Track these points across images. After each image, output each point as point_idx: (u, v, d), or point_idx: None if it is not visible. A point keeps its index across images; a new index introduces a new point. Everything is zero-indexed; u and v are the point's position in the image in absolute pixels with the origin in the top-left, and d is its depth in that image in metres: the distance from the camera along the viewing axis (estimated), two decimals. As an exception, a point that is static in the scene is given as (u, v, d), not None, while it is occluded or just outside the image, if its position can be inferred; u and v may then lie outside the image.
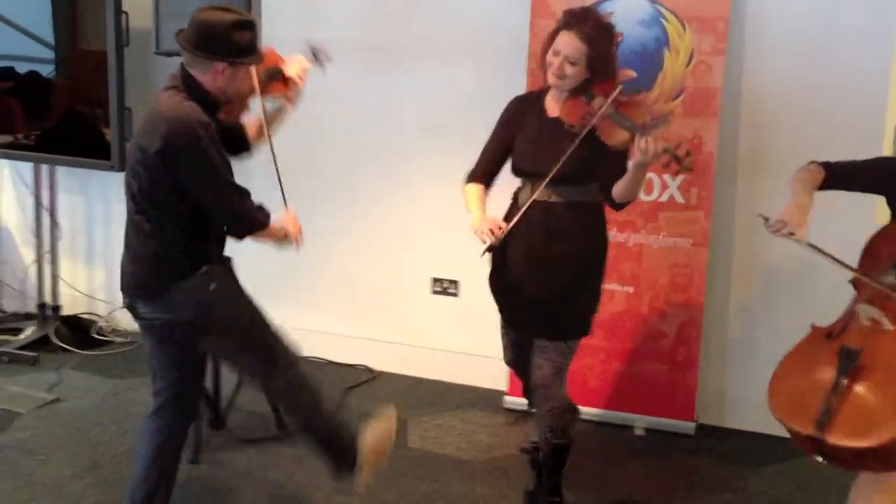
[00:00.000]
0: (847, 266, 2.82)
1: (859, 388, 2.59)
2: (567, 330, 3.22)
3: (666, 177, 4.04)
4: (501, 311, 3.41)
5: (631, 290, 4.01)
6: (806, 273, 4.00)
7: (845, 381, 2.60)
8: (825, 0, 3.94)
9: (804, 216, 2.83)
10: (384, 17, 4.60)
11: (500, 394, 4.46)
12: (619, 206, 3.14)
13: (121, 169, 4.66)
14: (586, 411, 3.97)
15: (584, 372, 4.16)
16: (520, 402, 4.34)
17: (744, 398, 4.25)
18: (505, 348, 3.55)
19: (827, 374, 2.64)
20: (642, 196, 4.08)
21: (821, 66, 3.96)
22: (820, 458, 2.61)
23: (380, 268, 4.76)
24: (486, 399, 4.50)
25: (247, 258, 4.24)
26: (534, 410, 3.42)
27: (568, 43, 3.04)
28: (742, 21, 4.03)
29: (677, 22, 3.99)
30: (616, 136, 3.01)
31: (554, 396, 3.18)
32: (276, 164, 3.13)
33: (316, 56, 3.27)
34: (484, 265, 4.54)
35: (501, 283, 3.34)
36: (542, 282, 3.18)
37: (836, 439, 2.52)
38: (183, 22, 3.71)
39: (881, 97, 3.87)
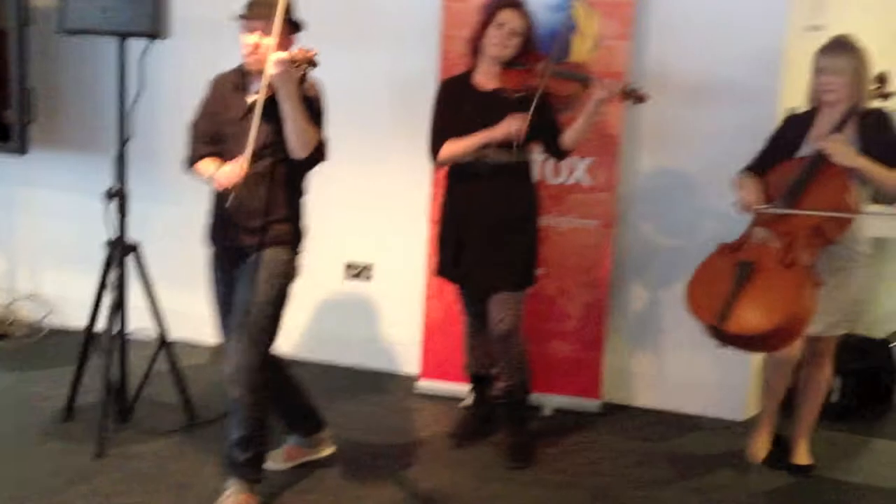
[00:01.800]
0: (762, 209, 3.42)
1: (750, 291, 3.30)
2: (522, 280, 3.67)
3: (574, 159, 4.09)
4: (464, 277, 3.73)
5: (539, 271, 4.04)
6: (711, 249, 4.13)
7: (740, 286, 3.32)
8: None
9: (754, 192, 3.47)
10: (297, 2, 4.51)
11: (412, 378, 4.48)
12: (565, 155, 3.69)
13: (23, 152, 4.47)
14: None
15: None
16: (432, 386, 4.38)
17: (648, 376, 4.38)
18: (469, 325, 3.91)
19: (728, 279, 3.36)
20: (550, 179, 4.15)
21: (720, 48, 4.08)
22: (719, 343, 3.35)
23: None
24: (398, 384, 4.51)
25: (160, 245, 4.17)
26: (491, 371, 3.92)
27: (514, 17, 3.53)
28: (647, 6, 4.11)
29: (585, 7, 4.03)
30: (567, 88, 3.57)
31: (517, 342, 3.68)
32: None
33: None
34: (397, 249, 4.57)
35: (459, 249, 3.67)
36: (503, 239, 3.60)
37: (732, 328, 3.28)
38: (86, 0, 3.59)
39: (775, 74, 4.04)
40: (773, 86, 4.05)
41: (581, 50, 4.05)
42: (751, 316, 3.26)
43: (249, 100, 3.14)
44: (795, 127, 3.52)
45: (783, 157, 3.50)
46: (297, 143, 3.07)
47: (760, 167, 3.55)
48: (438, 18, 4.21)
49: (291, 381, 3.51)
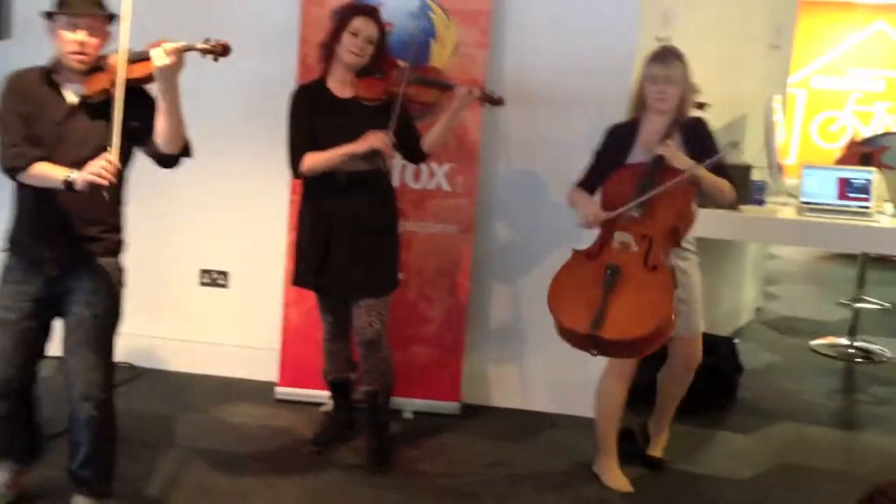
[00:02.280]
0: (621, 212, 3.44)
1: (620, 296, 3.30)
2: (388, 285, 3.72)
3: (433, 165, 4.14)
4: (323, 287, 3.72)
5: (400, 276, 4.07)
6: (566, 254, 4.24)
7: (610, 291, 3.31)
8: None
9: (597, 207, 3.51)
10: (153, 6, 4.39)
11: (271, 385, 4.42)
12: (424, 159, 3.76)
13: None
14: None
15: (354, 359, 4.20)
16: (291, 392, 4.34)
17: (506, 377, 4.46)
18: (327, 331, 3.88)
19: (597, 286, 3.34)
20: (410, 184, 4.18)
21: (575, 55, 4.20)
22: (595, 352, 3.32)
23: (144, 259, 4.54)
24: (257, 391, 4.45)
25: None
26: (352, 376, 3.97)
27: (368, 25, 3.52)
28: (504, 14, 4.19)
29: (443, 14, 4.09)
30: (426, 95, 3.65)
31: (383, 346, 3.72)
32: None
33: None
34: (253, 256, 4.51)
35: (323, 258, 3.65)
36: (366, 246, 3.62)
37: (608, 335, 3.24)
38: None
39: (628, 82, 4.08)
40: (625, 93, 4.13)
41: (441, 57, 4.10)
42: (626, 321, 3.24)
43: (70, 100, 2.99)
44: (620, 137, 3.60)
45: (611, 168, 3.55)
46: (174, 138, 3.00)
47: (590, 182, 3.62)
48: (297, 23, 4.18)
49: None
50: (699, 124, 3.55)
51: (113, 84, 2.92)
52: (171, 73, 2.88)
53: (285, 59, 4.23)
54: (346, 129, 3.51)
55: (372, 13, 3.56)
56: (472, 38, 4.11)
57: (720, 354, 4.70)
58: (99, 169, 2.80)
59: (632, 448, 3.98)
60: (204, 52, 2.97)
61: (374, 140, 3.46)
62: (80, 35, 2.96)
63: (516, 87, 4.22)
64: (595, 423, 3.73)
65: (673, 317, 3.32)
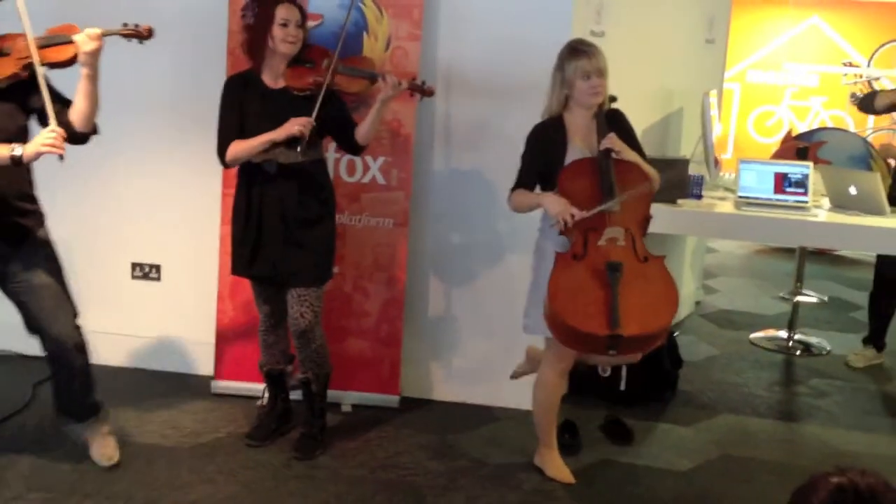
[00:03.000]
0: (603, 209, 3.38)
1: (630, 292, 3.27)
2: (320, 275, 3.71)
3: (367, 158, 4.14)
4: (259, 275, 3.73)
5: (336, 269, 4.07)
6: (502, 247, 4.27)
7: (618, 288, 3.26)
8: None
9: (565, 203, 3.37)
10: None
11: (207, 379, 4.39)
12: (361, 150, 3.73)
13: None
14: (293, 392, 4.01)
15: (291, 351, 4.18)
16: (227, 386, 4.31)
17: (445, 370, 4.46)
18: (263, 322, 3.88)
19: (601, 286, 3.29)
20: (345, 177, 4.18)
21: (508, 48, 4.20)
22: (612, 352, 3.26)
23: (75, 252, 4.49)
24: (192, 385, 4.41)
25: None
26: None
27: (291, 11, 3.52)
28: (437, 7, 4.20)
29: (375, 7, 4.10)
30: (354, 86, 3.61)
31: (317, 336, 3.73)
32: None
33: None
34: (186, 250, 4.47)
35: (256, 248, 3.66)
36: (298, 236, 3.62)
37: (629, 331, 3.19)
38: None
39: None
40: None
41: (374, 50, 4.10)
42: (643, 315, 3.23)
43: None
44: (548, 135, 3.53)
45: (547, 167, 3.50)
46: (90, 119, 3.25)
47: (529, 184, 3.54)
48: (224, 14, 4.17)
49: None
50: (620, 116, 3.57)
51: (23, 69, 3.09)
52: (95, 57, 3.11)
53: (214, 50, 4.21)
54: (276, 118, 3.51)
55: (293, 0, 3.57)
56: (404, 31, 4.12)
57: (660, 347, 4.72)
58: (52, 140, 3.03)
59: (574, 440, 4.01)
60: (128, 35, 3.14)
61: (292, 126, 3.46)
62: None
63: (450, 80, 4.23)
64: (534, 416, 3.74)
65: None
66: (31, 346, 3.81)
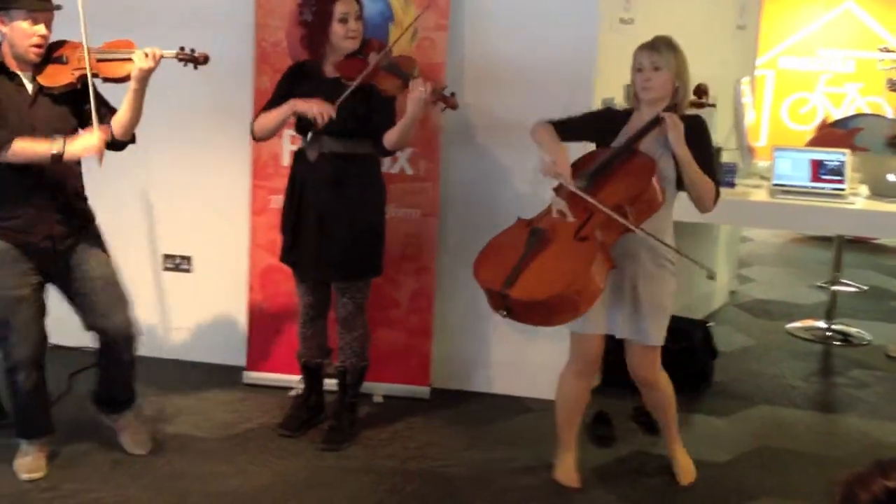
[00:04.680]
0: (580, 190, 3.30)
1: (539, 258, 3.21)
2: (361, 270, 3.70)
3: (396, 149, 4.14)
4: (299, 264, 3.74)
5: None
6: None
7: (530, 252, 3.21)
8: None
9: (567, 163, 3.33)
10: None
11: (238, 369, 4.40)
12: (389, 153, 3.69)
13: None
14: (325, 381, 4.01)
15: (329, 345, 4.18)
16: (259, 376, 4.32)
17: (474, 361, 4.44)
18: (303, 313, 3.86)
19: (519, 247, 3.25)
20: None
21: (536, 36, 4.17)
22: (504, 313, 3.19)
23: (107, 244, 4.55)
24: (223, 375, 4.42)
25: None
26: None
27: (349, 4, 3.51)
28: (463, -2, 4.18)
29: (401, -2, 4.09)
30: (390, 83, 3.50)
31: (357, 326, 3.75)
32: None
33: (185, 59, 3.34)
34: (217, 242, 4.49)
35: (296, 236, 3.69)
36: (336, 228, 3.60)
37: (516, 294, 3.13)
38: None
39: (591, 64, 4.15)
40: (588, 75, 4.16)
41: (400, 41, 4.07)
42: (535, 283, 3.14)
43: (31, 89, 3.25)
44: (611, 120, 3.47)
45: (588, 135, 3.48)
46: (130, 129, 3.35)
47: (564, 129, 3.43)
48: (252, 8, 4.18)
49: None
50: (695, 122, 3.33)
51: (78, 79, 3.21)
52: (148, 76, 3.23)
53: (242, 44, 4.22)
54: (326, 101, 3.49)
55: None
56: (431, 21, 4.09)
57: (695, 338, 4.67)
58: (89, 141, 3.17)
59: (608, 431, 3.98)
60: (184, 60, 3.28)
61: (312, 105, 3.46)
62: (41, 28, 3.16)
63: (477, 70, 4.22)
64: (555, 414, 3.66)
65: (589, 289, 3.15)
66: (67, 336, 3.88)
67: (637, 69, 3.34)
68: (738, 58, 5.65)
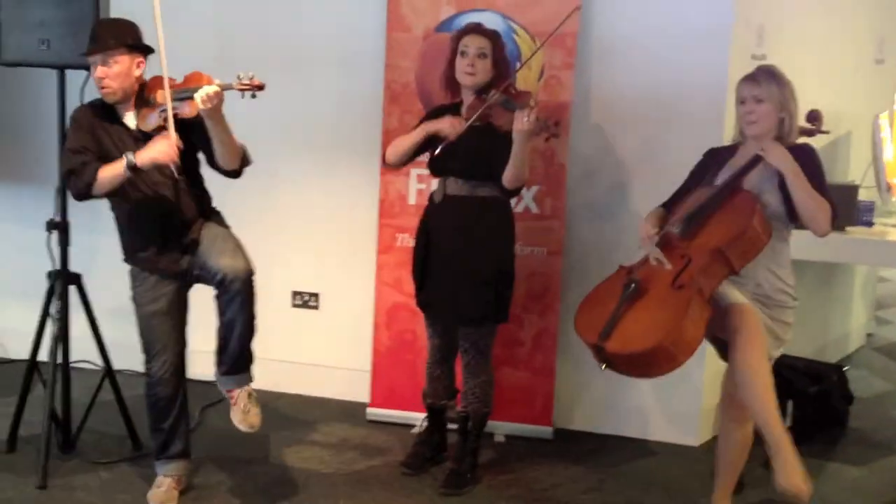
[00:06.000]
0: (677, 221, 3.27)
1: (635, 308, 3.14)
2: (485, 315, 3.63)
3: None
4: (429, 306, 3.76)
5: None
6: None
7: (626, 303, 3.15)
8: (664, 8, 4.13)
9: (649, 225, 3.32)
10: (240, 31, 4.56)
11: (362, 406, 4.45)
12: (510, 193, 3.61)
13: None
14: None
15: (456, 387, 4.17)
16: (382, 413, 4.36)
17: (598, 402, 4.38)
18: (431, 354, 3.86)
19: (615, 297, 3.19)
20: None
21: (664, 73, 4.14)
22: (604, 366, 3.12)
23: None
24: (348, 412, 4.48)
25: (102, 276, 4.14)
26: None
27: (475, 39, 3.55)
28: (589, 35, 4.16)
29: (528, 37, 4.09)
30: (502, 118, 3.44)
31: (481, 372, 3.71)
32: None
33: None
34: (344, 279, 4.57)
35: (423, 278, 3.70)
36: (461, 271, 3.59)
37: (612, 347, 3.07)
38: (26, 31, 3.63)
39: (721, 103, 4.06)
40: (718, 113, 4.08)
41: (528, 80, 4.09)
42: (630, 335, 3.06)
43: (133, 127, 3.35)
44: (716, 160, 3.38)
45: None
46: (230, 160, 3.34)
47: (673, 202, 3.40)
48: (382, 49, 4.26)
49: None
50: (804, 152, 3.18)
51: (165, 120, 3.24)
52: (214, 111, 3.17)
53: (372, 84, 4.31)
54: (453, 145, 3.49)
55: (478, 30, 3.59)
56: (558, 60, 4.10)
57: (829, 382, 4.53)
58: (163, 148, 3.18)
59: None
60: (244, 89, 3.18)
61: (445, 120, 3.48)
62: (97, 70, 3.29)
63: (604, 108, 4.20)
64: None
65: (687, 339, 3.02)
66: (199, 371, 3.98)
67: (739, 102, 3.24)
68: (876, 92, 5.46)
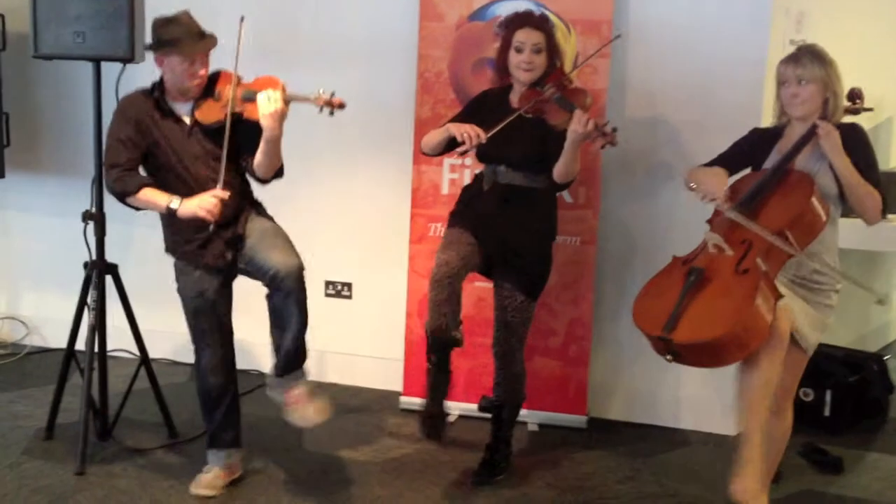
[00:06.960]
0: (727, 213, 3.16)
1: (700, 297, 3.06)
2: (528, 282, 3.57)
3: (555, 176, 4.11)
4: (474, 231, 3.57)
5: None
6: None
7: (688, 294, 3.06)
8: (702, -1, 4.07)
9: (722, 186, 3.20)
10: (273, 22, 4.56)
11: (395, 394, 4.47)
12: (560, 187, 3.53)
13: (1, 175, 4.54)
14: (479, 412, 3.99)
15: (480, 370, 4.19)
16: (415, 402, 4.36)
17: (632, 391, 4.36)
18: (436, 274, 3.44)
19: (676, 288, 3.11)
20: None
21: (701, 62, 4.09)
22: (670, 357, 3.05)
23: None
24: (381, 400, 4.51)
25: (138, 265, 4.18)
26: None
27: (531, 35, 3.45)
28: (625, 23, 4.12)
29: (563, 25, 4.06)
30: (558, 117, 3.35)
31: (515, 361, 3.66)
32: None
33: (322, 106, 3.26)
34: (376, 269, 4.58)
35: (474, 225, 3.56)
36: (512, 251, 3.53)
37: (679, 338, 2.99)
38: (61, 24, 3.67)
39: (758, 89, 3.99)
40: (757, 100, 4.01)
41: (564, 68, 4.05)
42: (697, 324, 2.99)
43: (186, 121, 3.36)
44: (760, 141, 3.31)
45: (742, 163, 3.33)
46: (269, 171, 3.37)
47: (727, 167, 3.32)
48: (415, 38, 4.25)
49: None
50: (853, 131, 3.13)
51: (226, 117, 3.24)
52: (276, 120, 3.18)
53: (405, 75, 4.31)
54: (503, 137, 3.39)
55: (531, 21, 3.50)
56: (593, 49, 4.04)
57: (870, 372, 4.48)
58: (209, 206, 3.20)
59: (824, 458, 3.91)
60: (321, 105, 3.19)
61: (465, 127, 3.37)
62: (196, 67, 3.29)
63: (639, 96, 4.15)
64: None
65: (757, 324, 2.94)
66: (240, 359, 4.00)
67: (781, 83, 3.18)
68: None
